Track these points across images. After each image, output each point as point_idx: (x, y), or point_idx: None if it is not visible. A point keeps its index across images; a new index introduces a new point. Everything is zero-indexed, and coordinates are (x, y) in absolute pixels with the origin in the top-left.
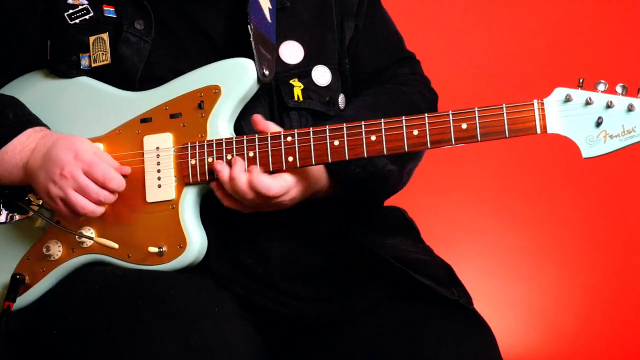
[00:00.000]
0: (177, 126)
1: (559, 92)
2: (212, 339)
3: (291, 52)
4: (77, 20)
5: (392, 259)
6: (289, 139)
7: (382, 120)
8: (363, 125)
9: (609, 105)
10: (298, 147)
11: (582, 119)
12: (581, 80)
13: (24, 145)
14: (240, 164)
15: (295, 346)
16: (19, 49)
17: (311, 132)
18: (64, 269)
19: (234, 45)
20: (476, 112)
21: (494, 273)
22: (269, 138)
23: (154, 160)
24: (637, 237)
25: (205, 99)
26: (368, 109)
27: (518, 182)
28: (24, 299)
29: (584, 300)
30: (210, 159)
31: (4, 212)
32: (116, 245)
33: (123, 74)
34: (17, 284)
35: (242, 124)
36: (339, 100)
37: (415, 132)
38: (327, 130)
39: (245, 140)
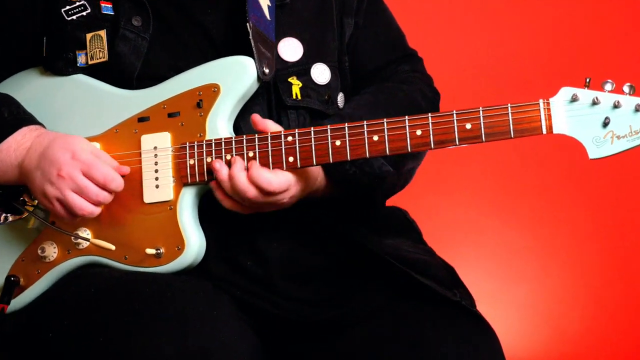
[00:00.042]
0: (176, 125)
1: (565, 92)
2: (210, 341)
3: (290, 49)
4: (74, 17)
5: (393, 259)
6: (290, 138)
7: (385, 120)
8: (365, 125)
9: (616, 105)
10: (299, 147)
11: (589, 119)
12: (588, 80)
13: (19, 144)
14: (239, 163)
15: (294, 348)
16: (16, 45)
17: (312, 132)
18: (59, 271)
19: (232, 43)
20: (481, 112)
21: (497, 274)
22: (269, 138)
23: (152, 160)
24: None
25: (204, 97)
26: (367, 107)
27: (522, 183)
28: (18, 302)
29: (589, 301)
30: (209, 159)
31: None
32: (113, 247)
33: (120, 72)
34: (12, 286)
35: (241, 123)
36: (338, 99)
37: (419, 132)
38: (329, 130)
39: (245, 140)
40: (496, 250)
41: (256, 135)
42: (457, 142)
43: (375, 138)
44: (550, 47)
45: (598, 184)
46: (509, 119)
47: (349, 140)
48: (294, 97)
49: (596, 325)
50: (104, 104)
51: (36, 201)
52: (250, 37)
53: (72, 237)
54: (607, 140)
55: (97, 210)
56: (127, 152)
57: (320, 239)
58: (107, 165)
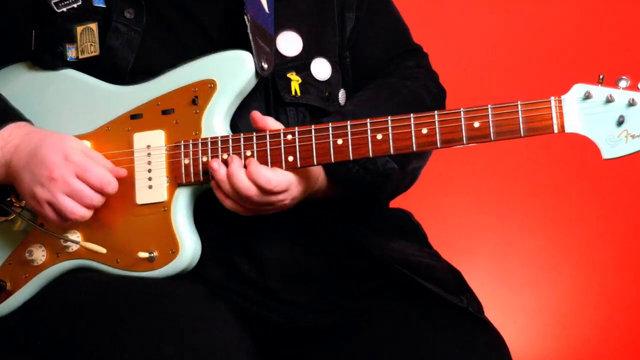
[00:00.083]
0: (170, 123)
1: (578, 89)
2: (205, 349)
3: (289, 43)
4: (64, 9)
5: (396, 263)
6: (289, 137)
7: (389, 117)
8: (369, 123)
9: (631, 103)
10: (299, 145)
11: (603, 117)
12: (601, 77)
13: (6, 141)
14: (237, 161)
15: (290, 352)
16: (4, 38)
17: (313, 130)
18: (48, 275)
19: (229, 37)
20: (490, 109)
21: (506, 279)
22: (268, 136)
23: (145, 160)
24: None
25: (200, 94)
26: (370, 104)
27: (531, 183)
28: (5, 307)
29: (603, 307)
30: (204, 158)
31: None
32: (104, 250)
33: (112, 67)
34: None
35: (238, 121)
36: (339, 96)
37: (424, 131)
38: (330, 128)
39: (242, 138)
40: (505, 254)
41: (254, 133)
42: (465, 142)
43: (379, 137)
44: (561, 42)
45: (611, 185)
46: (519, 117)
47: (351, 139)
48: (293, 93)
49: (610, 332)
50: (94, 100)
51: (24, 202)
52: (248, 30)
53: (62, 240)
54: (621, 140)
55: (89, 214)
56: (119, 151)
57: (320, 240)
58: (102, 167)
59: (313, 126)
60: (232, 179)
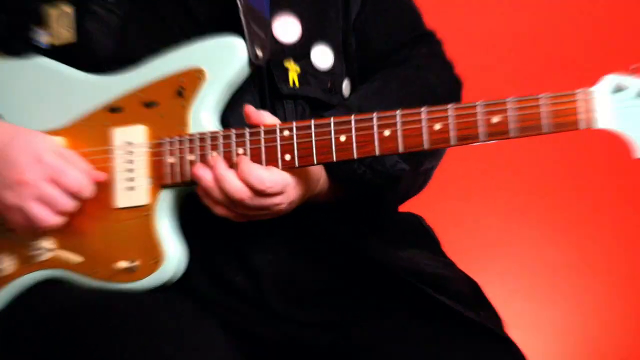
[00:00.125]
0: (153, 117)
1: (609, 81)
2: None
3: (286, 28)
4: None
5: (406, 274)
6: (286, 133)
7: (398, 111)
8: (375, 118)
9: None
10: (297, 143)
11: (637, 111)
12: (633, 67)
13: None
14: (222, 163)
15: None
16: None
17: (312, 126)
18: (16, 287)
19: (220, 21)
20: (510, 103)
21: (530, 293)
22: (262, 132)
23: (125, 158)
24: None
25: (187, 85)
26: (377, 97)
27: (558, 185)
28: None
29: (638, 325)
30: (192, 157)
31: None
32: (79, 259)
33: (90, 54)
34: None
35: (228, 115)
36: (343, 87)
37: (437, 127)
38: (332, 124)
39: (234, 135)
40: (529, 264)
41: (247, 129)
42: (483, 138)
43: (387, 133)
44: (584, 30)
45: None
46: (543, 112)
47: (355, 135)
48: (291, 84)
49: None
50: (69, 91)
51: None
52: (241, 13)
53: (33, 248)
54: None
55: (61, 222)
56: (96, 149)
57: (321, 249)
58: (77, 170)
59: (313, 121)
60: (221, 183)
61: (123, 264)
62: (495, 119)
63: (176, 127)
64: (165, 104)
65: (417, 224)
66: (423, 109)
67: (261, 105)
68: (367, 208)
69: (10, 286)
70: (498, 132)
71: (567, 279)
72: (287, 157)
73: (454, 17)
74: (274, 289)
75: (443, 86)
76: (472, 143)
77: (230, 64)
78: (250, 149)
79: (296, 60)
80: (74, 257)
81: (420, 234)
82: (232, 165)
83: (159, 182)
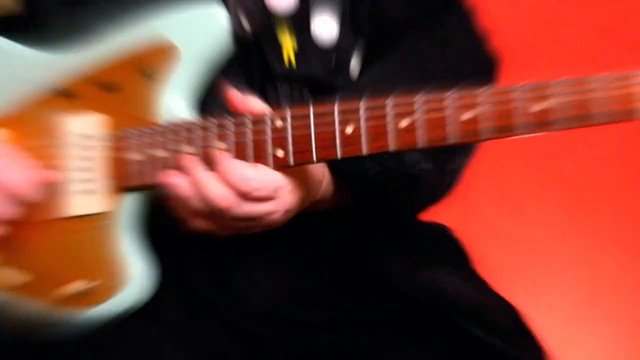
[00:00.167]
0: (114, 104)
1: None
2: None
3: None
4: None
5: (427, 296)
6: (279, 123)
7: (418, 96)
8: (390, 104)
9: None
10: (292, 135)
11: None
12: None
13: None
14: (196, 163)
15: None
16: None
17: (311, 114)
18: None
19: None
20: (554, 87)
21: (586, 321)
22: (249, 122)
23: (79, 155)
24: None
25: (156, 64)
26: (392, 78)
27: (618, 188)
28: None
29: None
30: (162, 153)
31: None
32: (24, 279)
33: (39, 27)
34: None
35: (208, 101)
36: (351, 65)
37: (467, 116)
38: (336, 112)
39: (214, 126)
40: (584, 285)
41: (230, 118)
42: (521, 131)
43: (404, 123)
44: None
45: None
46: (594, 97)
47: (366, 126)
48: (286, 62)
49: None
50: (10, 72)
51: None
52: None
53: None
54: None
55: (1, 233)
56: (44, 143)
57: (323, 270)
58: (20, 169)
59: (312, 108)
60: (201, 190)
61: (76, 286)
62: (536, 107)
63: (143, 116)
64: (129, 88)
65: (441, 234)
66: (449, 94)
67: (248, 89)
68: (380, 215)
69: None
70: (540, 123)
71: (619, 298)
72: (280, 153)
73: None
74: (262, 316)
75: (475, 65)
76: (508, 136)
77: (209, 39)
78: (235, 143)
79: (292, 33)
80: (18, 277)
81: (446, 247)
82: (212, 164)
83: (121, 184)
